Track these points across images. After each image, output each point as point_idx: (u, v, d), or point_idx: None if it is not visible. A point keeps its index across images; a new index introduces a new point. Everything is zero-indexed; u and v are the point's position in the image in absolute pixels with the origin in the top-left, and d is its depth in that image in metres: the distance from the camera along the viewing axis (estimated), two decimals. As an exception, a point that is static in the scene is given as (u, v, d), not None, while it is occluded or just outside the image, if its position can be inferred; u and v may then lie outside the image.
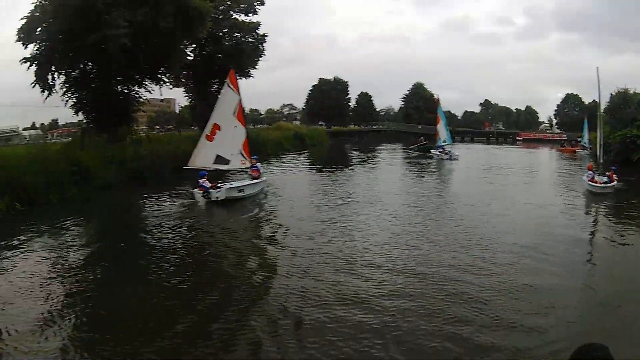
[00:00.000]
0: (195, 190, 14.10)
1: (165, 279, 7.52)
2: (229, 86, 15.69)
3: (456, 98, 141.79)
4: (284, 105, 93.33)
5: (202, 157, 14.80)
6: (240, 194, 14.39)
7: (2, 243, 9.75)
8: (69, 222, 11.90)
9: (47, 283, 7.23)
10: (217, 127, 15.04)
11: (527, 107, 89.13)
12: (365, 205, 13.04)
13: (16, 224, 11.64)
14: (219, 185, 14.33)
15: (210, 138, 14.97)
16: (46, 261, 8.52)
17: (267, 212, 12.97)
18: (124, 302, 6.46)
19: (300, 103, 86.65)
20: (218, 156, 14.92)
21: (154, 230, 11.09)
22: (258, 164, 15.95)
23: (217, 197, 13.63)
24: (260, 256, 8.67)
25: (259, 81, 58.62)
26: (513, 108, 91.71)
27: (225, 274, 7.65)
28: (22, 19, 19.60)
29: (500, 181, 18.04)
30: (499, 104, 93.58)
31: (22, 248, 9.44)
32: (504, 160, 28.95)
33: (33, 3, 19.59)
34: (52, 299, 6.53)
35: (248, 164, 15.50)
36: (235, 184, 14.95)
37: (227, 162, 15.14)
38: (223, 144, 15.00)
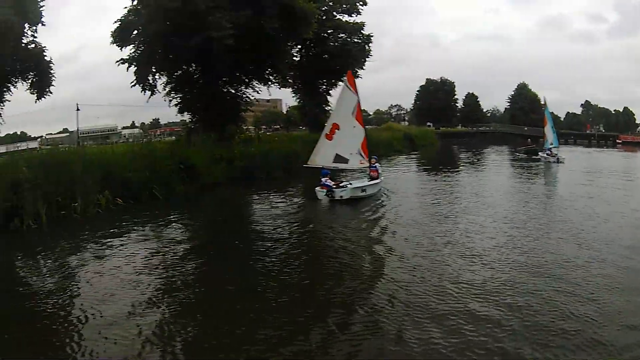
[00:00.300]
0: (317, 188, 14.02)
1: (279, 273, 7.40)
2: (347, 86, 15.51)
3: (557, 98, 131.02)
4: (392, 106, 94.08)
5: (322, 156, 14.74)
6: (363, 193, 14.10)
7: (105, 234, 10.13)
8: (173, 217, 12.13)
9: (148, 275, 7.30)
10: (336, 126, 14.90)
11: (625, 109, 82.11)
12: (480, 207, 12.66)
13: (118, 218, 11.94)
14: (342, 184, 14.18)
15: (329, 137, 14.86)
16: (148, 253, 8.61)
17: (387, 212, 12.57)
18: (228, 296, 6.47)
19: (404, 103, 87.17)
20: (337, 155, 14.75)
21: (269, 227, 10.90)
22: (377, 164, 15.56)
23: (341, 196, 13.47)
24: (386, 253, 8.59)
25: (364, 81, 59.41)
26: (612, 109, 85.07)
27: (349, 268, 7.66)
28: (115, 22, 20.09)
29: (603, 185, 17.10)
30: (599, 105, 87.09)
31: (124, 240, 9.67)
32: (605, 164, 27.24)
33: (126, 7, 19.98)
34: (153, 291, 6.58)
35: (367, 164, 15.16)
36: (357, 184, 14.70)
37: (345, 161, 14.94)
38: (342, 143, 14.80)
